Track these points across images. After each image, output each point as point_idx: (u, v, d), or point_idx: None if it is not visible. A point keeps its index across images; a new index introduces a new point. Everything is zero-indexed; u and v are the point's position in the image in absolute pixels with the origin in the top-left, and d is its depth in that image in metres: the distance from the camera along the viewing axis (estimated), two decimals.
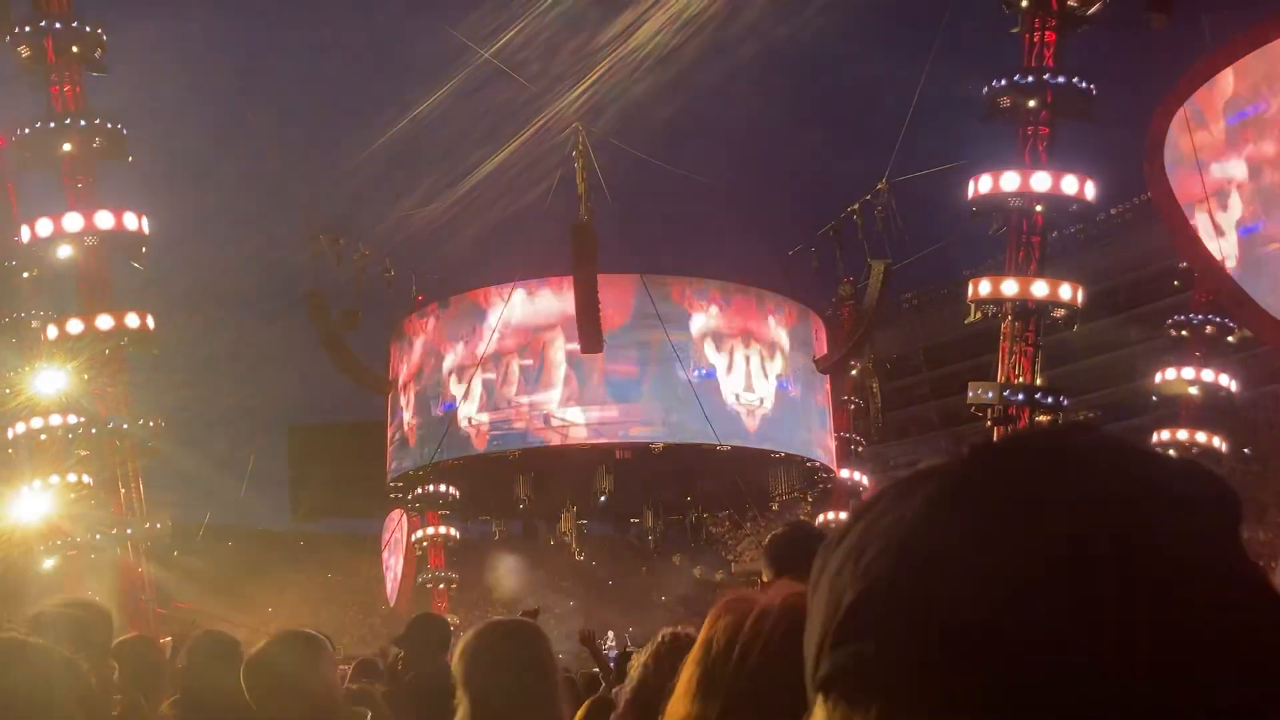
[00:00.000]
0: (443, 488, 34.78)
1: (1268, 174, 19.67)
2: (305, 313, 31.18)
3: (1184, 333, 28.05)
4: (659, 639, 3.20)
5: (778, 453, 33.38)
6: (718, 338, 32.39)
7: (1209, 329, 27.42)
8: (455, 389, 32.51)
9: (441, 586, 35.97)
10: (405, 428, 34.20)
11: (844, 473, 35.40)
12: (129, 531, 20.42)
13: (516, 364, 32.03)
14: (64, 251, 20.75)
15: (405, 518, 37.69)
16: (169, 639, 9.54)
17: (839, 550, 0.72)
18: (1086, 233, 45.43)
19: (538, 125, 27.70)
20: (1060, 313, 20.61)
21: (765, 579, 3.43)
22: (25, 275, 24.90)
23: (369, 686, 4.88)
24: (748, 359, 32.63)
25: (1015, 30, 20.69)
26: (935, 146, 29.30)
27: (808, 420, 34.40)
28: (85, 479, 23.98)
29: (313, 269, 30.35)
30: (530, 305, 32.04)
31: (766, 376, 32.90)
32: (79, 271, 20.91)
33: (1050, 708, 0.62)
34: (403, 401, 34.16)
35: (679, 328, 31.73)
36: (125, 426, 20.52)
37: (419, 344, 34.30)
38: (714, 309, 32.59)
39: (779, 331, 33.55)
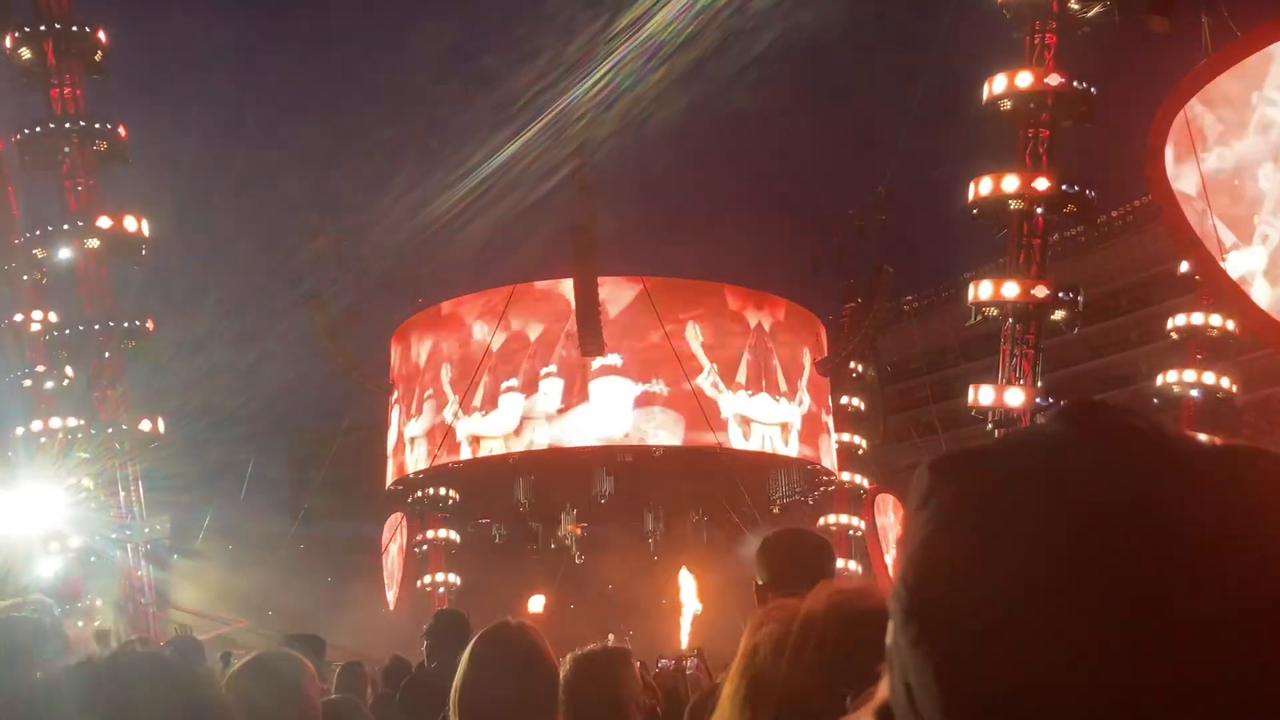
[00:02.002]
0: (442, 491, 34.75)
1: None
2: (306, 315, 31.19)
3: (1185, 335, 28.04)
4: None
5: (780, 456, 33.38)
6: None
7: (1210, 332, 27.41)
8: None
9: (441, 590, 35.91)
10: (408, 431, 34.13)
11: (845, 475, 35.37)
12: (129, 534, 20.39)
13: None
14: (64, 254, 20.73)
15: (405, 521, 37.63)
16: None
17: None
18: (1087, 235, 45.44)
19: (540, 126, 27.68)
20: (1061, 315, 20.57)
21: (760, 582, 3.42)
22: (25, 278, 24.92)
23: (352, 699, 4.81)
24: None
25: (1016, 35, 20.69)
26: (936, 150, 29.29)
27: (813, 430, 34.51)
28: (85, 482, 23.98)
29: (313, 271, 30.39)
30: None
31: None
32: (79, 274, 20.88)
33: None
34: (415, 404, 33.98)
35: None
36: (125, 429, 20.49)
37: (424, 349, 34.21)
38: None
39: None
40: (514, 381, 31.80)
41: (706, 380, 31.69)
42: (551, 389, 31.63)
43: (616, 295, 30.98)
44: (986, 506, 0.64)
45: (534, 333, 32.04)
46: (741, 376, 32.26)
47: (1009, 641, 0.60)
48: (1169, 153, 19.96)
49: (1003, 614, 0.61)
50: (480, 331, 32.60)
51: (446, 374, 32.74)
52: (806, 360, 33.68)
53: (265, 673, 3.21)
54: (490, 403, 32.05)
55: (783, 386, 32.88)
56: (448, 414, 32.53)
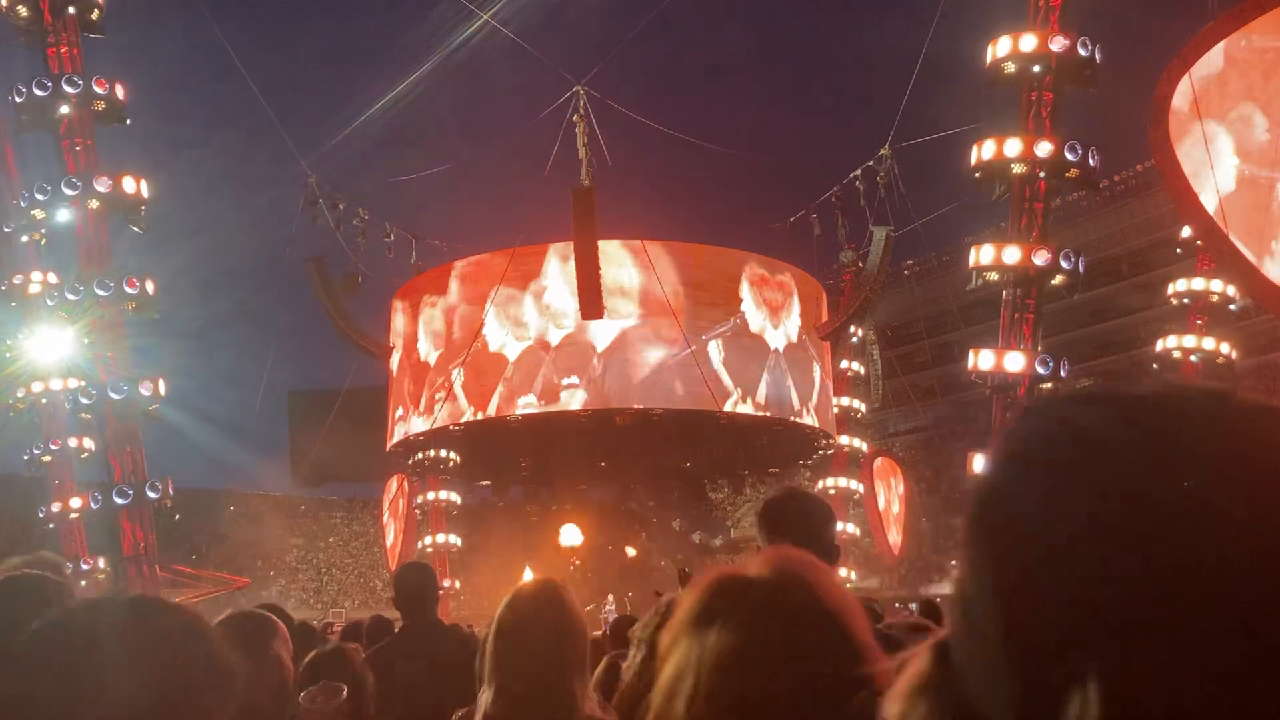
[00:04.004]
0: (443, 453, 34.84)
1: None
2: (305, 277, 31.16)
3: (1185, 300, 28.03)
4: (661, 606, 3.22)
5: (778, 419, 33.44)
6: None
7: (1210, 297, 27.39)
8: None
9: (443, 551, 36.08)
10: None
11: (844, 439, 35.45)
12: (130, 495, 20.44)
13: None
14: (63, 215, 20.67)
15: (406, 482, 37.78)
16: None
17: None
18: (1089, 200, 45.32)
19: (539, 89, 27.52)
20: (1061, 280, 20.54)
21: (760, 544, 3.43)
22: (25, 239, 24.88)
23: (350, 646, 4.83)
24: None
25: None
26: (938, 113, 29.15)
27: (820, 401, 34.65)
28: (86, 443, 24.04)
29: (313, 233, 30.35)
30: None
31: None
32: (78, 235, 20.82)
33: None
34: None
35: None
36: (126, 390, 20.50)
37: (427, 327, 34.15)
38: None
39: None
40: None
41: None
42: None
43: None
44: (1055, 442, 0.70)
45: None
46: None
47: (1059, 559, 0.65)
48: (1172, 116, 19.84)
49: (1055, 534, 0.65)
50: (490, 319, 32.38)
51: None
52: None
53: (237, 631, 3.25)
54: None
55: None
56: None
